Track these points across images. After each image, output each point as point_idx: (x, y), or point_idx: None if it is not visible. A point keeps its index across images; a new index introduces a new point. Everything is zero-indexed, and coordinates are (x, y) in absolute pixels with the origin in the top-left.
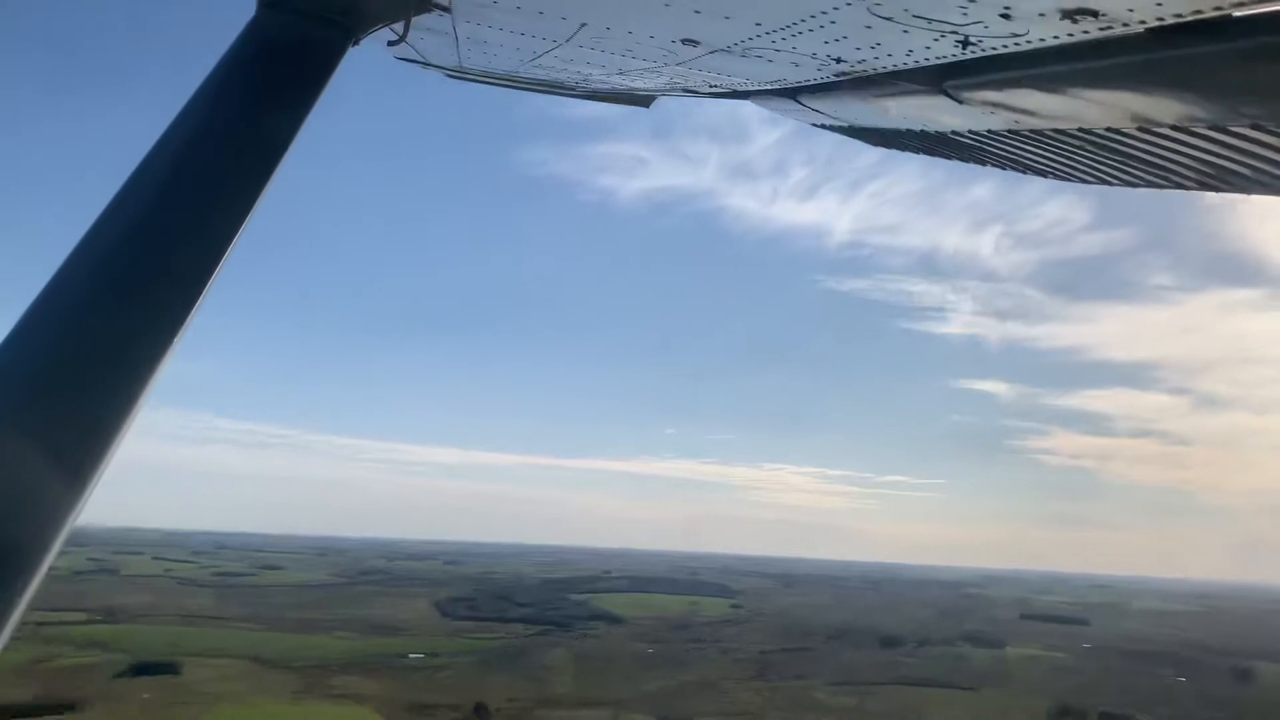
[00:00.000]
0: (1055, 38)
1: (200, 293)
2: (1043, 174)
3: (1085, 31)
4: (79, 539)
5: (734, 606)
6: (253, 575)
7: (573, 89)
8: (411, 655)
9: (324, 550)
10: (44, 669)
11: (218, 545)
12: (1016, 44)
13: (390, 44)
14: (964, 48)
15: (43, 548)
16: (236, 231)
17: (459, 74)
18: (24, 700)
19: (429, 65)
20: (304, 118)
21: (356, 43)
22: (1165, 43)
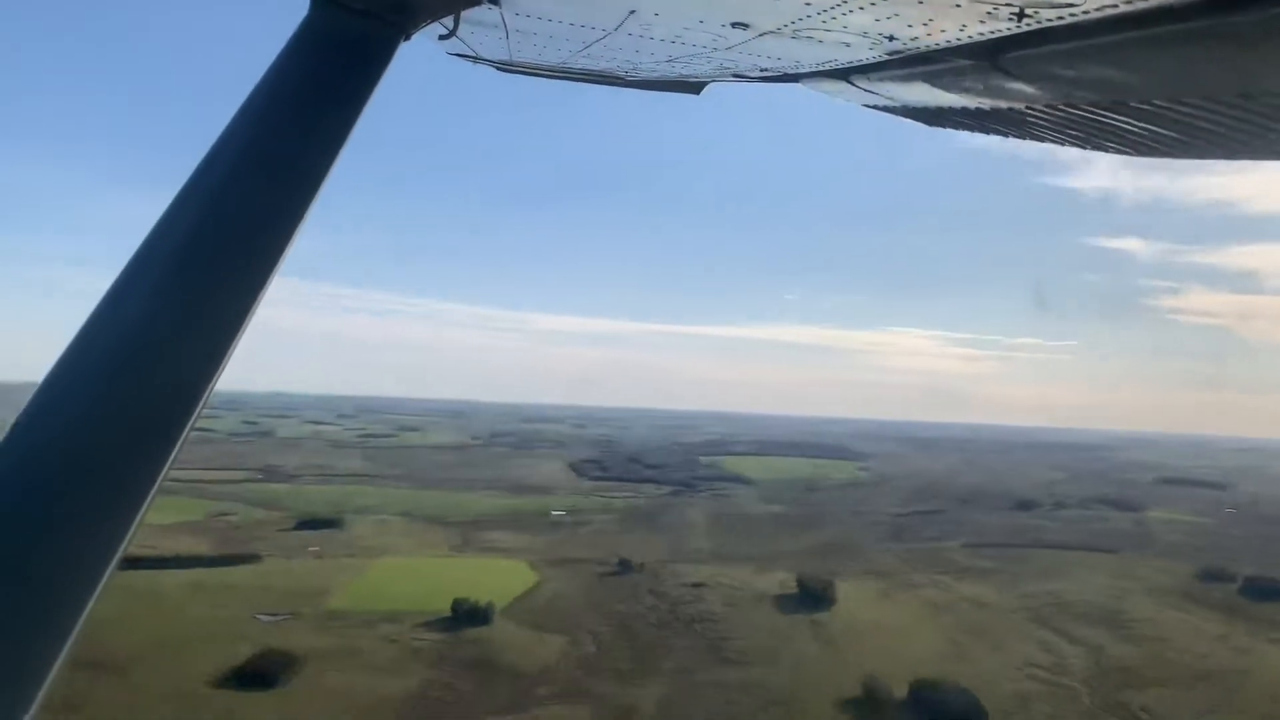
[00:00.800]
0: (1113, 7)
1: (266, 280)
2: (1100, 147)
3: (1143, 0)
4: (234, 403)
5: (861, 469)
6: (394, 436)
7: (623, 78)
8: (554, 512)
9: (457, 414)
10: (218, 524)
11: (359, 409)
12: (1073, 15)
13: (441, 38)
14: (1019, 21)
15: (120, 530)
16: (296, 227)
17: (509, 67)
18: (207, 553)
19: (479, 60)
20: (359, 112)
21: (408, 38)
22: (1223, 9)
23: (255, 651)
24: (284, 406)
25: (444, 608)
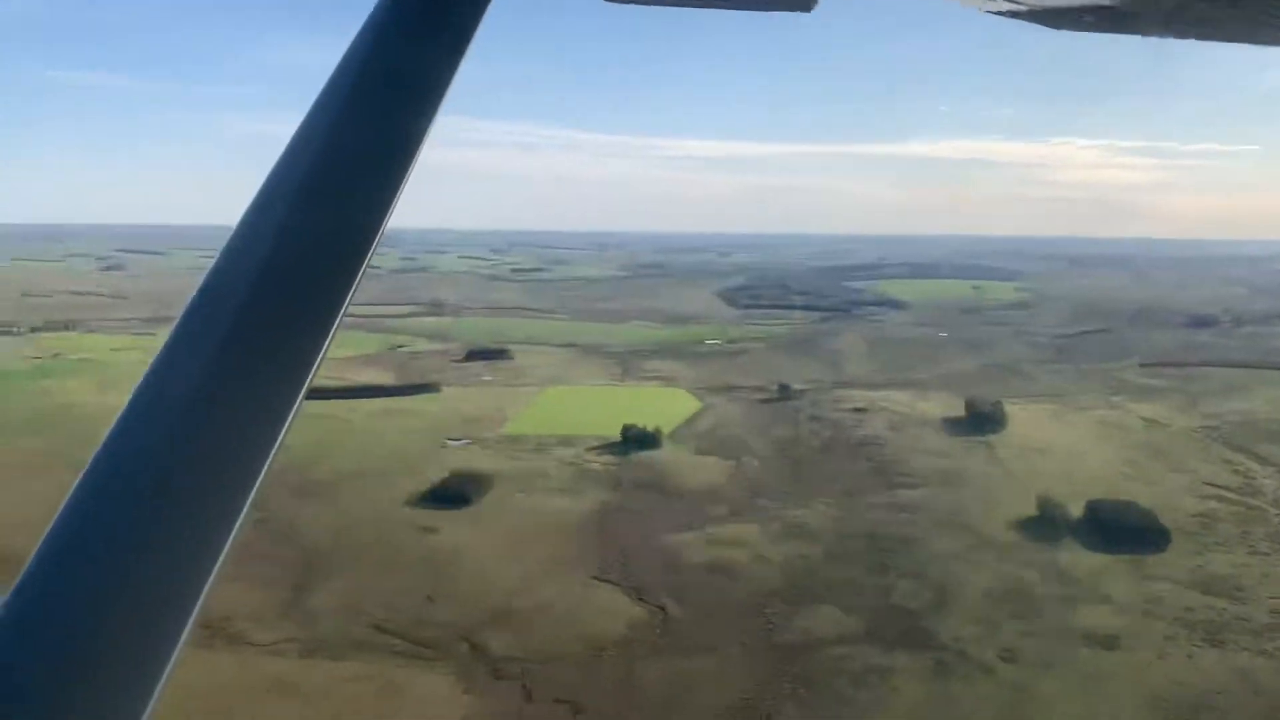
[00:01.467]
0: None
1: (378, 229)
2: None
3: None
4: (392, 240)
5: (1021, 290)
6: (545, 270)
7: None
8: (708, 341)
9: (603, 245)
10: (396, 356)
11: (509, 243)
12: None
13: None
14: None
15: (234, 508)
16: (407, 168)
17: None
18: (389, 383)
19: None
20: (462, 54)
21: None
22: None
23: (447, 474)
24: (438, 243)
25: (613, 433)
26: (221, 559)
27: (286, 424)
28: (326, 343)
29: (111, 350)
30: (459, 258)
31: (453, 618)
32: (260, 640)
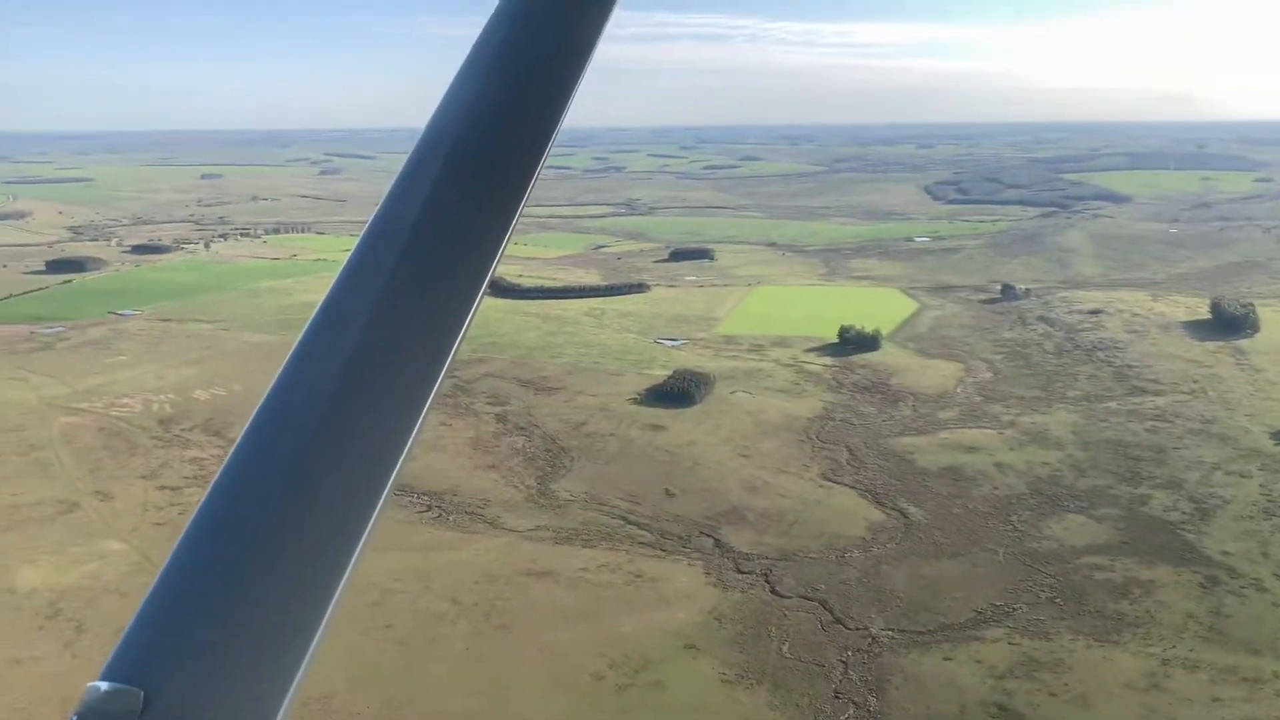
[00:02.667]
0: None
1: (525, 191)
2: None
3: None
4: (581, 140)
5: (1260, 180)
6: (736, 167)
7: None
8: (917, 239)
9: (794, 139)
10: (599, 256)
11: (697, 139)
12: None
13: None
14: None
15: (375, 490)
16: (561, 114)
17: None
18: (598, 283)
19: None
20: (591, 47)
21: None
22: None
23: (668, 372)
24: (628, 141)
25: (829, 333)
26: (375, 518)
27: (431, 396)
28: (492, 265)
29: (342, 251)
30: (648, 156)
31: (691, 512)
32: (516, 526)
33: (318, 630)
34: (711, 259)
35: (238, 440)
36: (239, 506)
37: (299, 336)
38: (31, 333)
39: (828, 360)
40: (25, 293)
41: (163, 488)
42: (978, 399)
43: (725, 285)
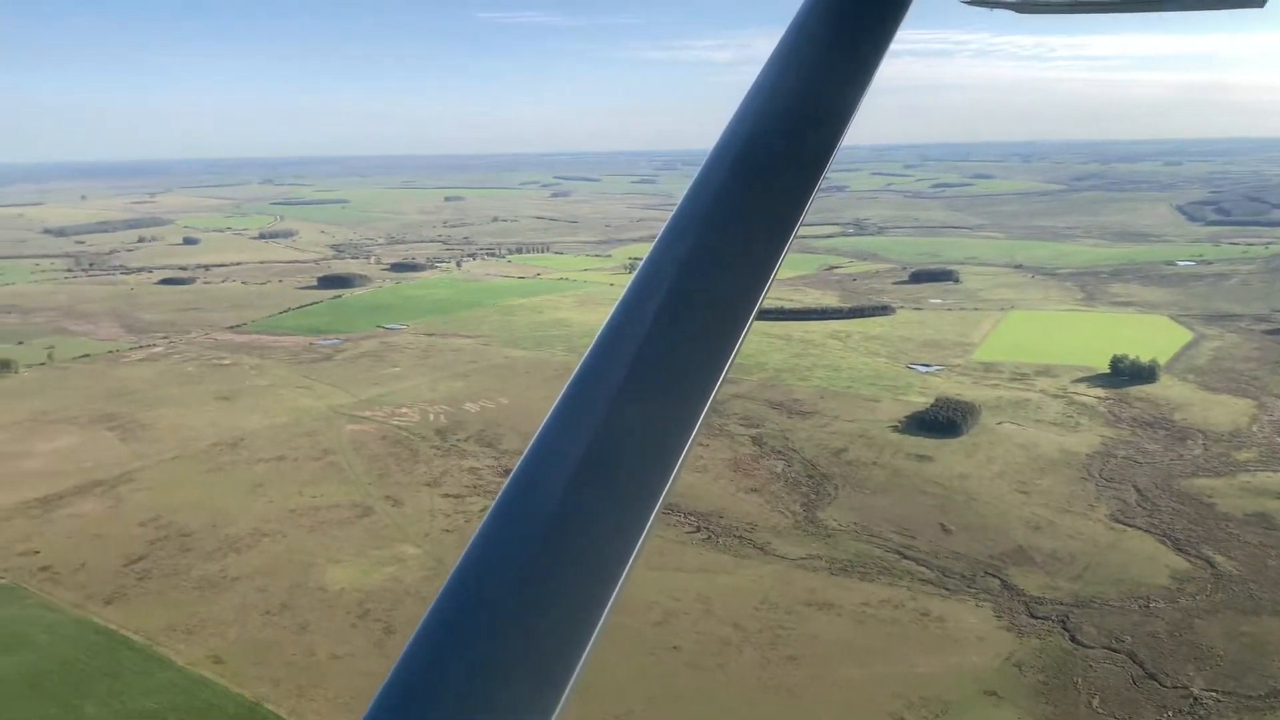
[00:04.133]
0: None
1: (797, 219)
2: None
3: None
4: None
5: None
6: (968, 185)
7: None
8: (1180, 262)
9: (1026, 156)
10: (833, 276)
11: (921, 157)
12: None
13: None
14: None
15: (661, 477)
16: (828, 160)
17: (1029, 7)
18: (839, 305)
19: (996, 5)
20: (870, 75)
21: None
22: None
23: (927, 399)
24: (848, 160)
25: (1098, 363)
26: (647, 529)
27: (706, 405)
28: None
29: (582, 271)
30: (871, 174)
31: (972, 550)
32: (788, 554)
33: (584, 652)
34: (956, 281)
35: (518, 465)
36: (511, 533)
37: (582, 357)
38: (311, 344)
39: (1100, 392)
40: (301, 306)
41: (446, 495)
42: (1278, 440)
43: (975, 309)
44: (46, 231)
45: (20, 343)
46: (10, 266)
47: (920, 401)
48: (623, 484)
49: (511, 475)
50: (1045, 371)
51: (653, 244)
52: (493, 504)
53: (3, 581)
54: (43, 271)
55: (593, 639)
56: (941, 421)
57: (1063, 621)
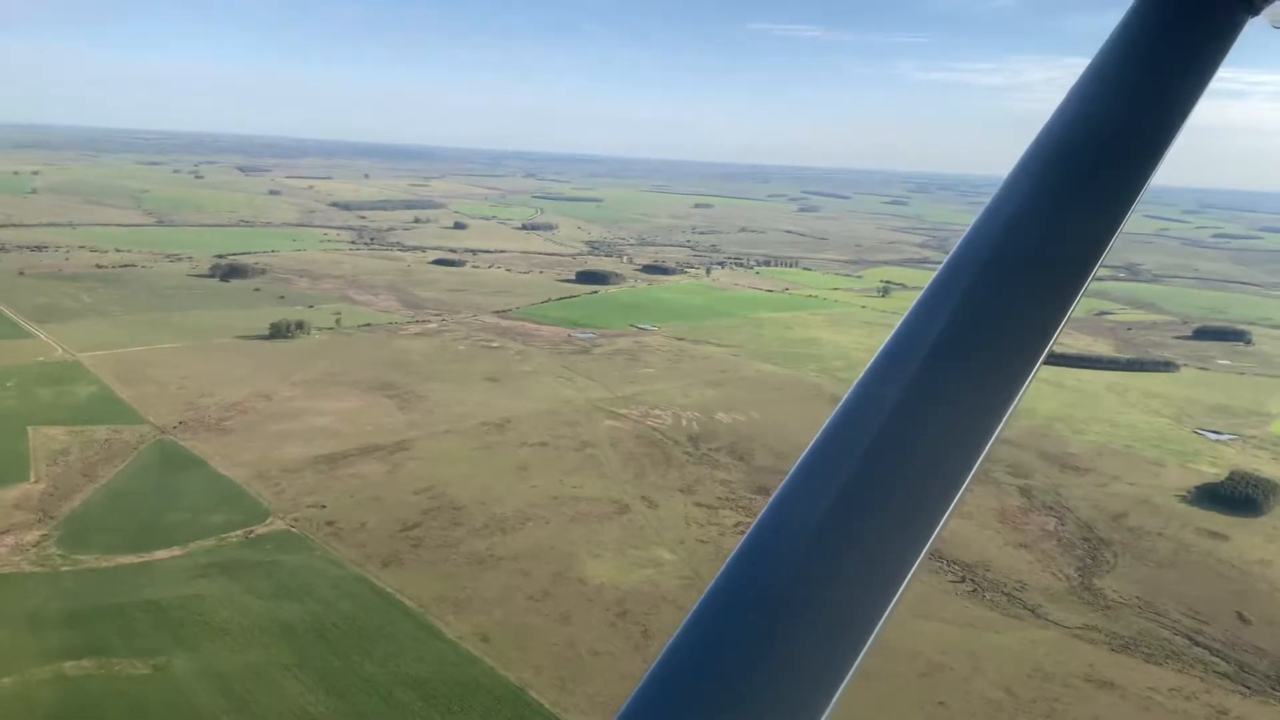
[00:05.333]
0: None
1: (1076, 294)
2: None
3: None
4: None
5: None
6: (1255, 238)
7: None
8: None
9: None
10: (1105, 323)
11: (1200, 203)
12: None
13: None
14: None
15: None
16: (1116, 227)
17: None
18: (1113, 355)
19: None
20: (1188, 109)
21: (1256, 12)
22: None
23: (1220, 470)
24: None
25: None
26: (929, 545)
27: (1005, 417)
28: (1059, 329)
29: (831, 289)
30: (1144, 217)
31: (1275, 646)
32: (1063, 621)
33: (841, 684)
34: (1247, 342)
35: (784, 482)
36: (774, 549)
37: (859, 378)
38: (569, 336)
39: None
40: (561, 298)
41: (700, 504)
42: None
43: (1273, 376)
44: (334, 205)
45: (311, 306)
46: (303, 234)
47: (1211, 472)
48: (893, 516)
49: (777, 492)
50: None
51: (940, 267)
52: (757, 519)
53: (294, 531)
54: (330, 241)
55: (851, 672)
56: (1238, 497)
57: None
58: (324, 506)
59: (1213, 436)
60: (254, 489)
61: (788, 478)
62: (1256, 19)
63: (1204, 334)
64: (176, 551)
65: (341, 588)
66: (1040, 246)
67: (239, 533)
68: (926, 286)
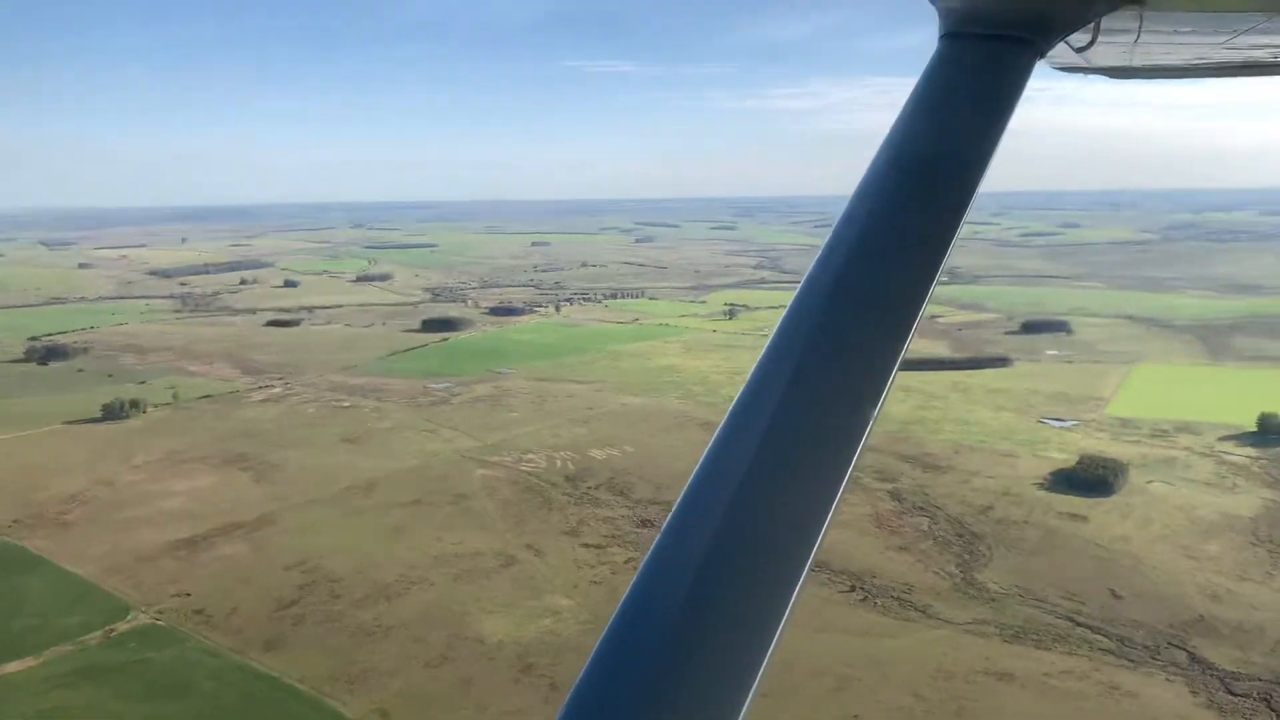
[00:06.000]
0: None
1: (921, 303)
2: None
3: None
4: None
5: None
6: (1058, 234)
7: (1273, 64)
8: None
9: (1114, 205)
10: (937, 325)
11: (1002, 205)
12: None
13: (1079, 50)
14: None
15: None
16: (950, 242)
17: (1124, 72)
18: (952, 355)
19: (1089, 70)
20: (998, 137)
21: (1043, 55)
22: None
23: (1067, 456)
24: None
25: (1242, 420)
26: (818, 542)
27: (875, 412)
28: (909, 338)
29: (679, 316)
30: None
31: (1150, 619)
32: (953, 619)
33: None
34: (1069, 332)
35: (671, 514)
36: (666, 585)
37: (731, 406)
38: (425, 387)
39: (1252, 451)
40: (408, 349)
41: (587, 545)
42: None
43: (1097, 362)
44: (152, 273)
45: (143, 382)
46: (123, 306)
47: (1061, 458)
48: (782, 522)
49: (671, 512)
50: (1186, 428)
51: (796, 289)
52: (653, 544)
53: (160, 623)
54: (153, 312)
55: (761, 670)
56: (1091, 480)
57: (1266, 700)
58: (189, 594)
59: (1055, 424)
60: (109, 584)
61: (680, 498)
62: (1041, 61)
63: (1030, 328)
64: (30, 662)
65: (223, 679)
66: (886, 263)
67: (98, 633)
68: (787, 307)
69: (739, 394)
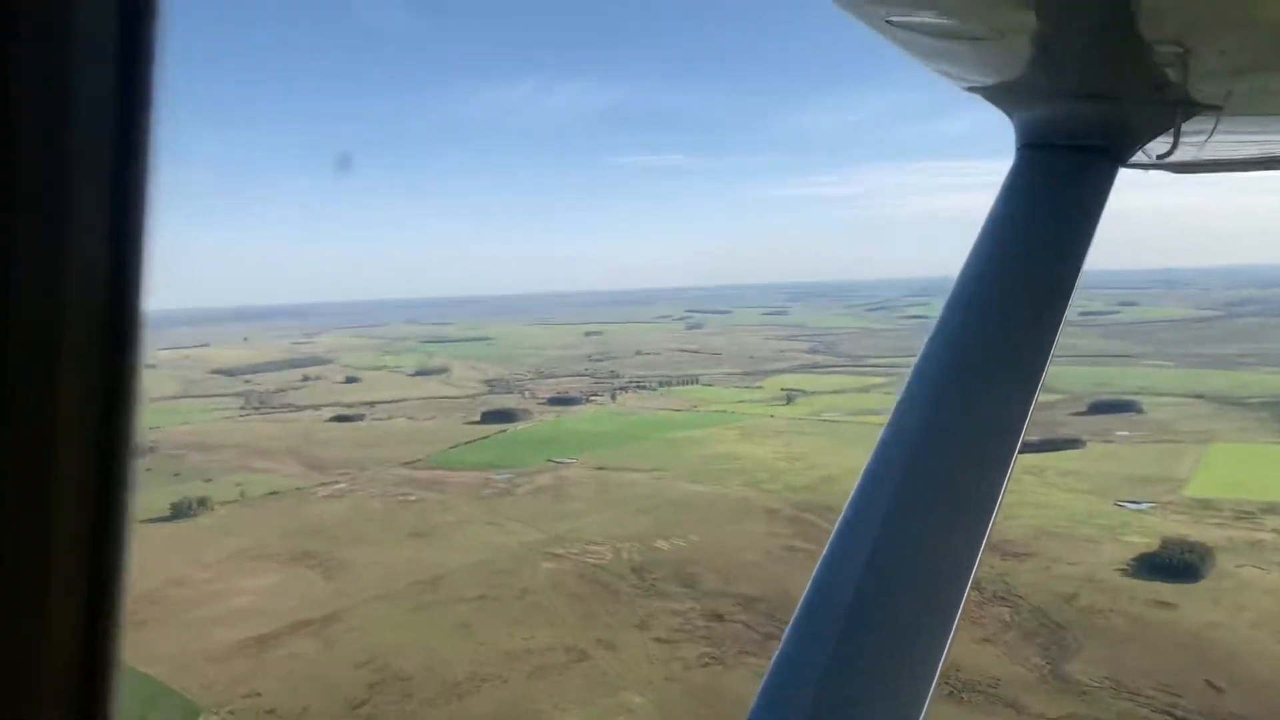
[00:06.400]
0: None
1: (1019, 432)
2: None
3: None
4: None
5: None
6: (1115, 313)
7: None
8: None
9: (1170, 283)
10: None
11: None
12: None
13: (1159, 157)
14: None
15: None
16: (1048, 357)
17: (1188, 168)
18: (1028, 439)
19: (1152, 166)
20: (1085, 249)
21: (1123, 163)
22: None
23: (1148, 540)
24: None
25: None
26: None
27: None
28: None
29: (736, 402)
30: None
31: (1251, 710)
32: (1046, 713)
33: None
34: (1139, 412)
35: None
36: (843, 585)
37: (858, 481)
38: (487, 479)
39: None
40: (469, 441)
41: (658, 640)
42: None
43: (1172, 442)
44: (215, 372)
45: (209, 480)
46: (186, 406)
47: (1142, 542)
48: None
49: (850, 501)
50: (1271, 509)
51: (905, 383)
52: (837, 523)
53: None
54: (217, 411)
55: (939, 666)
56: (1177, 565)
57: None
58: (259, 694)
59: (1132, 507)
60: (179, 684)
61: (850, 501)
62: (1124, 168)
63: (1099, 408)
64: None
65: None
66: (986, 376)
67: None
68: (903, 390)
69: (870, 457)
